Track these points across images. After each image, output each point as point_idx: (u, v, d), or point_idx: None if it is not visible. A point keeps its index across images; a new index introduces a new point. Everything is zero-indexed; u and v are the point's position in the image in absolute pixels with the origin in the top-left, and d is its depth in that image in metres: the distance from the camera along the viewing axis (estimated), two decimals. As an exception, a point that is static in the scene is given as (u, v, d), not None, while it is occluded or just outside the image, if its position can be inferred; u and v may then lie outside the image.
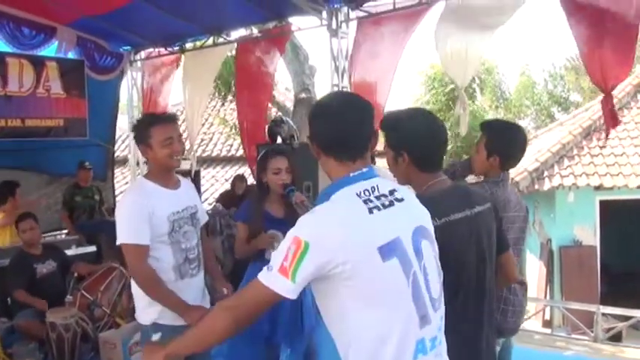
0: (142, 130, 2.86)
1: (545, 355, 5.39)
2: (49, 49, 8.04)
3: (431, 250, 1.81)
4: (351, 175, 1.78)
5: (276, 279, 1.65)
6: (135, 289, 2.88)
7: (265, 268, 1.69)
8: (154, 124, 2.85)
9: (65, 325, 4.15)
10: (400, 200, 1.78)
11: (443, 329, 1.81)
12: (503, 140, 2.98)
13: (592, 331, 6.37)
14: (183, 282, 2.88)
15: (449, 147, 18.23)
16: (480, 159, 3.02)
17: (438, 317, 1.77)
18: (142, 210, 2.75)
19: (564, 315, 8.67)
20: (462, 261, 2.19)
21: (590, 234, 11.26)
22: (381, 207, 1.72)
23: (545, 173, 11.24)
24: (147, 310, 2.84)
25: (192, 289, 2.95)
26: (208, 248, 3.28)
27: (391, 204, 1.75)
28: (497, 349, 2.93)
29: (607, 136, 5.48)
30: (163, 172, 2.92)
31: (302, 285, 1.65)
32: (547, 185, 11.05)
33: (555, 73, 25.95)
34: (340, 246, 1.62)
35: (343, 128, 1.79)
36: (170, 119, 2.92)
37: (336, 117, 1.81)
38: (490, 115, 22.67)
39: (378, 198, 1.73)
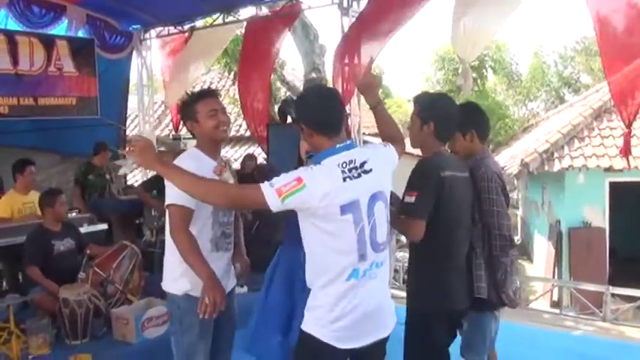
0: (189, 107, 3.01)
1: (554, 335, 5.41)
2: (59, 28, 8.04)
3: (383, 209, 2.50)
4: (337, 146, 2.46)
5: (272, 194, 2.31)
6: (168, 256, 2.96)
7: (268, 182, 2.33)
8: (198, 99, 2.99)
9: (78, 302, 4.19)
10: (368, 171, 2.44)
11: (382, 265, 2.53)
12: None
13: (601, 312, 6.38)
14: (218, 254, 3.01)
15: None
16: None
17: (377, 256, 2.48)
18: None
19: (572, 296, 8.68)
20: (457, 208, 3.01)
21: (599, 216, 11.23)
22: (352, 177, 2.39)
23: (555, 154, 11.20)
24: (180, 280, 2.91)
25: (224, 263, 3.09)
26: (240, 228, 3.43)
27: (359, 175, 2.41)
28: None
29: (629, 164, 5.50)
30: (211, 145, 3.02)
31: (286, 207, 2.33)
32: (557, 166, 11.03)
33: (566, 54, 25.78)
34: (318, 199, 2.31)
35: (328, 113, 2.49)
36: (212, 94, 3.05)
37: (324, 106, 2.50)
38: (501, 96, 22.57)
39: (350, 170, 2.40)
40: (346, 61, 6.66)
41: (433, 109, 3.04)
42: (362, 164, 2.44)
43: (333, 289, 2.44)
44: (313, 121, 2.48)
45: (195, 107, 2.97)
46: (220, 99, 3.11)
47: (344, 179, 2.37)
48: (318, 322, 2.48)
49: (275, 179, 2.35)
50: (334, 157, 2.42)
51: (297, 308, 3.22)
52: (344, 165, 2.39)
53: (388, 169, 2.59)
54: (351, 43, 6.62)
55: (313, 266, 2.51)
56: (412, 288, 3.16)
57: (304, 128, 2.50)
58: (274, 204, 2.32)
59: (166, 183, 2.88)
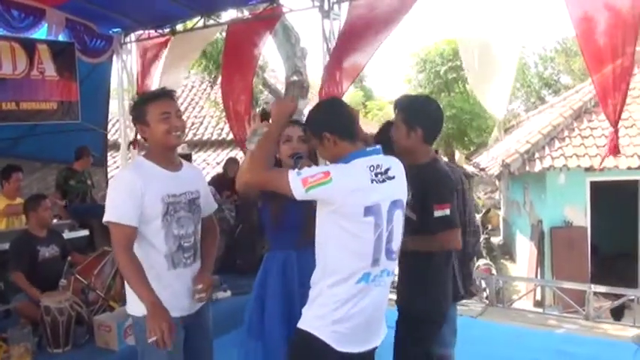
0: (139, 108, 2.76)
1: (538, 334, 5.45)
2: (40, 32, 7.97)
3: (400, 218, 2.56)
4: (368, 150, 2.53)
5: (297, 181, 2.39)
6: None
7: (296, 171, 2.45)
8: (149, 100, 2.75)
9: (59, 309, 4.14)
10: (391, 178, 2.50)
11: (391, 274, 2.59)
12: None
13: (583, 310, 6.44)
14: (176, 271, 2.77)
15: (440, 129, 18.32)
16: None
17: (389, 264, 2.54)
18: (134, 189, 2.64)
19: (555, 295, 8.75)
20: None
21: (580, 215, 11.34)
22: (378, 181, 2.46)
23: (536, 155, 11.28)
24: (138, 301, 2.63)
25: (186, 280, 2.82)
26: (212, 240, 3.10)
27: (384, 180, 2.47)
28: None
29: (602, 162, 5.58)
30: (163, 152, 2.78)
31: (308, 197, 2.41)
32: (538, 167, 11.11)
33: (545, 55, 26.00)
34: (344, 196, 2.38)
35: (349, 121, 2.57)
36: (166, 95, 2.79)
37: (344, 114, 2.59)
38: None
39: (376, 174, 2.46)
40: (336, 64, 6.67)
41: (420, 115, 2.99)
42: (386, 170, 2.50)
43: (341, 290, 2.46)
44: (339, 128, 2.53)
45: (146, 108, 2.72)
46: (177, 100, 2.86)
47: (371, 181, 2.44)
48: (319, 320, 2.49)
49: (304, 169, 2.47)
50: (364, 158, 2.49)
51: (295, 311, 3.16)
52: (372, 168, 2.46)
53: (405, 180, 2.64)
54: (338, 52, 6.63)
55: (325, 265, 2.51)
56: (408, 291, 3.11)
57: (328, 137, 2.52)
58: (298, 192, 2.39)
59: (106, 197, 2.73)
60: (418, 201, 2.94)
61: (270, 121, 2.67)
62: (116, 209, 2.64)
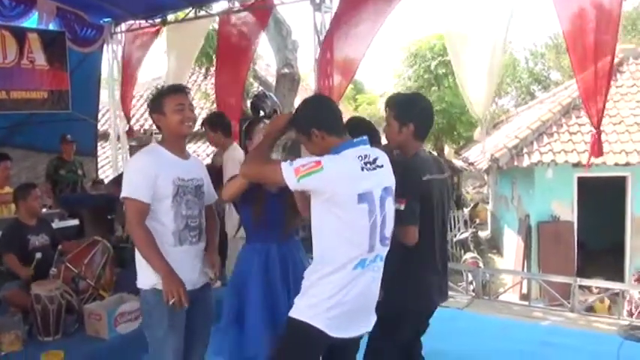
0: (157, 100, 3.07)
1: (523, 326, 5.51)
2: (30, 21, 7.95)
3: (391, 205, 2.64)
4: (355, 141, 2.60)
5: (289, 171, 2.48)
6: (137, 252, 2.97)
7: (289, 161, 2.51)
8: (166, 93, 3.06)
9: (50, 298, 4.16)
10: (380, 166, 2.59)
11: (383, 259, 2.65)
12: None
13: (569, 303, 6.51)
14: (182, 248, 3.02)
15: (430, 123, 18.30)
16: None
17: (382, 249, 2.61)
18: (149, 169, 2.93)
19: (541, 288, 8.83)
20: (434, 210, 3.03)
21: (567, 210, 11.43)
22: (369, 169, 2.53)
23: (525, 150, 11.35)
24: (146, 274, 2.94)
25: (190, 257, 3.07)
26: (214, 225, 3.37)
27: (374, 168, 2.55)
28: None
29: (588, 161, 5.70)
30: (176, 140, 3.09)
31: (301, 187, 2.50)
32: (526, 162, 11.18)
33: (536, 51, 26.06)
34: (336, 184, 2.45)
35: (336, 116, 2.67)
36: (181, 89, 3.10)
37: (331, 110, 2.69)
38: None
39: (366, 163, 2.54)
40: (328, 57, 6.69)
41: (411, 111, 3.07)
42: (375, 160, 2.58)
43: (337, 277, 2.52)
44: (326, 124, 2.61)
45: (163, 100, 3.03)
46: (190, 96, 3.17)
47: (362, 169, 2.51)
48: (313, 309, 2.54)
49: (296, 160, 2.52)
50: (353, 149, 2.56)
51: (278, 301, 3.22)
52: (361, 158, 2.54)
53: (391, 170, 2.70)
54: (329, 41, 6.65)
55: (322, 254, 2.58)
56: (389, 285, 3.13)
57: (316, 133, 2.59)
58: (291, 182, 2.48)
59: (123, 177, 3.02)
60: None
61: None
62: (130, 186, 2.93)
